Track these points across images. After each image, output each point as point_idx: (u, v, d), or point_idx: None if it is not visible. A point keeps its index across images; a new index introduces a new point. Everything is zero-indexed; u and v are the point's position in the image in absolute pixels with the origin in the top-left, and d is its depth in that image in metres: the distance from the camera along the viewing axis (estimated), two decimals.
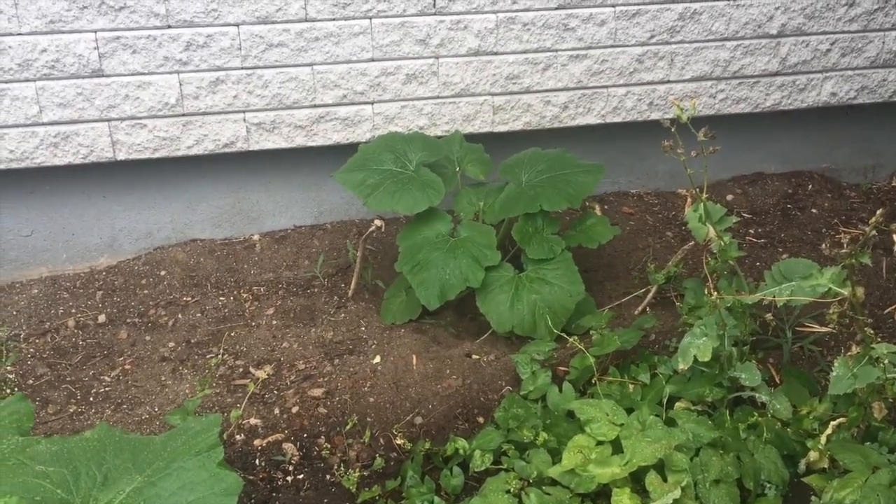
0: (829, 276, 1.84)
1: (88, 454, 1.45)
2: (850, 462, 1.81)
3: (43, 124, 2.74)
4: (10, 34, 2.63)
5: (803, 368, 2.32)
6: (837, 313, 1.78)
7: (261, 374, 2.44)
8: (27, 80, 2.68)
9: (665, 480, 1.82)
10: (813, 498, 1.86)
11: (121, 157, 2.84)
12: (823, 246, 1.68)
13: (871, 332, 1.81)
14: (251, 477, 2.10)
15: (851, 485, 1.76)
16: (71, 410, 2.36)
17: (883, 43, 3.25)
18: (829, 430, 1.91)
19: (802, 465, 1.94)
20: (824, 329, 2.27)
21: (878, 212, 1.61)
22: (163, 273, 2.93)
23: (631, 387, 2.22)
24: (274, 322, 2.68)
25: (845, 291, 1.77)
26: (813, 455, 1.92)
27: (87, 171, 2.91)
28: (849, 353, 1.83)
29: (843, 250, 1.67)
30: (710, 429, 1.95)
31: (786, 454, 1.97)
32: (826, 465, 1.90)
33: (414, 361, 2.46)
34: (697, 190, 2.06)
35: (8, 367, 2.50)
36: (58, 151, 2.78)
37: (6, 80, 2.67)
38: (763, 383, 2.07)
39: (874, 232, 1.72)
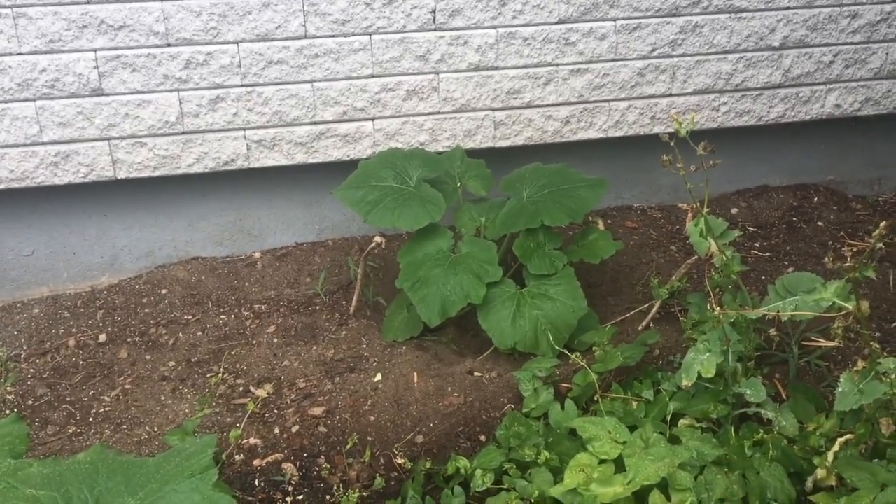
0: (832, 290, 1.81)
1: (80, 477, 1.43)
2: (858, 480, 1.77)
3: (43, 144, 2.74)
4: (10, 54, 2.63)
5: (810, 384, 2.28)
6: (842, 328, 1.75)
7: (261, 392, 2.42)
8: (27, 100, 2.69)
9: (669, 500, 1.79)
10: None
11: (121, 175, 2.84)
12: (826, 259, 1.65)
13: (878, 346, 1.78)
14: (250, 498, 2.07)
15: (859, 503, 1.72)
16: (70, 431, 2.34)
17: (887, 54, 3.23)
18: (836, 447, 1.86)
19: (809, 483, 1.90)
20: (831, 343, 2.24)
21: (882, 224, 1.58)
22: (164, 292, 2.92)
23: (634, 404, 2.19)
24: (275, 340, 2.66)
25: (850, 305, 1.74)
26: (820, 473, 1.88)
27: (88, 190, 2.91)
28: (854, 369, 1.80)
29: (847, 264, 1.64)
30: (715, 446, 1.92)
31: (792, 472, 1.93)
32: (834, 483, 1.86)
33: (415, 379, 2.43)
34: (698, 204, 2.04)
35: (8, 388, 2.49)
36: (58, 171, 2.78)
37: (6, 100, 2.67)
38: (769, 399, 2.04)
39: (881, 245, 1.69)
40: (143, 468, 1.47)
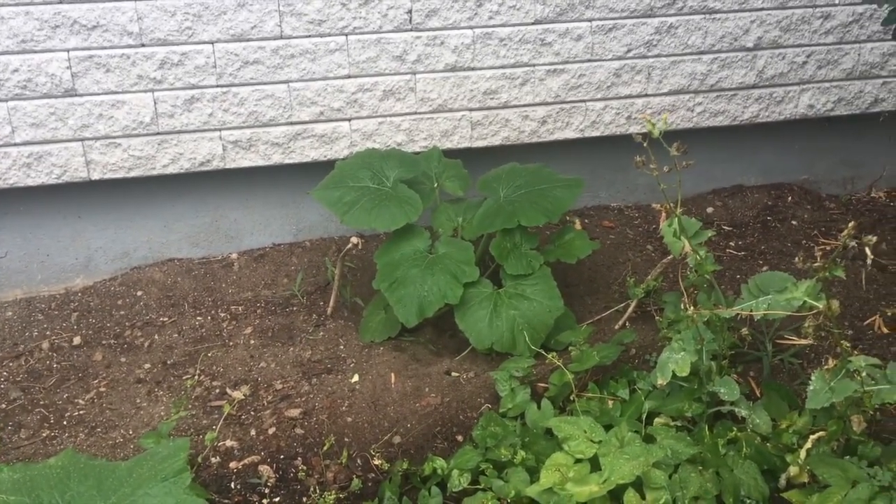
0: (803, 289, 1.83)
1: (52, 482, 1.42)
2: (830, 476, 1.79)
3: (15, 144, 2.71)
4: None
5: (784, 381, 2.31)
6: (813, 326, 1.77)
7: (237, 394, 2.41)
8: None
9: (643, 498, 1.80)
10: None
11: (95, 176, 2.81)
12: (796, 259, 1.66)
13: (848, 344, 1.80)
14: (226, 501, 2.06)
15: (831, 500, 1.74)
16: (44, 435, 2.32)
17: (859, 55, 3.27)
18: (808, 444, 1.89)
19: (783, 481, 1.92)
20: (804, 341, 2.25)
21: (850, 224, 1.60)
22: (139, 293, 2.90)
23: (610, 403, 2.20)
24: (252, 342, 2.65)
25: (820, 305, 1.76)
26: (793, 470, 1.90)
27: (62, 192, 2.88)
28: (826, 367, 1.82)
29: (817, 263, 1.66)
30: (689, 445, 1.93)
31: (766, 469, 1.95)
32: (806, 480, 1.88)
33: (392, 380, 2.43)
34: (672, 204, 2.05)
35: None
36: (31, 172, 2.75)
37: None
38: (742, 397, 2.05)
39: (854, 243, 1.71)
40: (115, 472, 1.46)
